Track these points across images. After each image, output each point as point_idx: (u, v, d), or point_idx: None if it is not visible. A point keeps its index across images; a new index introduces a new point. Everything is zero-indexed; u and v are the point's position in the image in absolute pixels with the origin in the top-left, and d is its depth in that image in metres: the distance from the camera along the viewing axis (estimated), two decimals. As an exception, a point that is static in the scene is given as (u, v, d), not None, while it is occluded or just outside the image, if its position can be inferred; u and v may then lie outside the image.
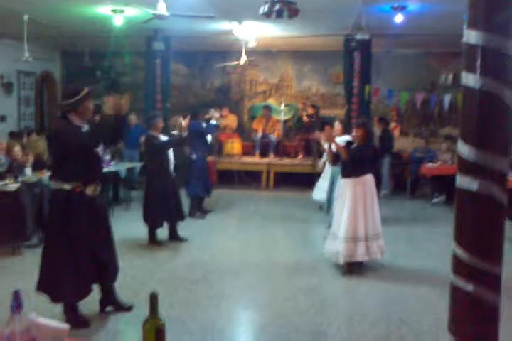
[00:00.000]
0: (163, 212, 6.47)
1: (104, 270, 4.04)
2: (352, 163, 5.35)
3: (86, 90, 3.90)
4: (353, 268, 5.34)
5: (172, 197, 6.52)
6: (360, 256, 5.23)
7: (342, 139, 6.58)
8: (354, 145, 5.48)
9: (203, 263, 5.70)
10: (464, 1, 2.10)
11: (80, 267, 3.88)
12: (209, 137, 8.46)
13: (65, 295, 3.91)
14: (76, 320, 3.81)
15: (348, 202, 5.29)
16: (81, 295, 3.95)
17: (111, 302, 4.21)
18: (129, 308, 4.21)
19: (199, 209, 8.17)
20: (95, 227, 3.95)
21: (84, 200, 3.87)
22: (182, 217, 6.75)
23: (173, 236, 6.65)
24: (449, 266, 2.03)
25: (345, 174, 5.48)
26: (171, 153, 6.57)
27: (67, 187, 3.82)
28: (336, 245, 5.30)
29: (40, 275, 3.95)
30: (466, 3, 1.98)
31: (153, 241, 6.49)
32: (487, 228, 1.90)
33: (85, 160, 3.86)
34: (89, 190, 3.89)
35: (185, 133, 6.61)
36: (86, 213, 3.89)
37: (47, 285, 3.91)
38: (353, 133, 5.50)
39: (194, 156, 8.01)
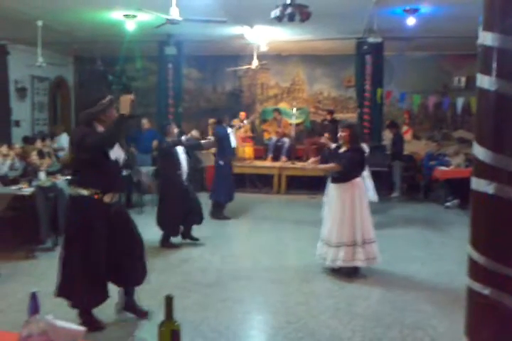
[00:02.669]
0: (179, 218, 6.54)
1: (125, 274, 4.05)
2: (342, 170, 5.27)
3: (108, 98, 3.93)
4: (351, 272, 5.31)
5: (186, 202, 6.55)
6: (353, 262, 5.19)
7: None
8: (342, 150, 5.37)
9: (215, 267, 5.71)
10: (477, 3, 2.09)
11: (97, 273, 3.91)
12: (233, 141, 8.58)
13: (83, 301, 3.93)
14: (91, 323, 3.83)
15: (336, 208, 5.26)
16: (99, 301, 3.97)
17: (129, 308, 4.21)
18: (145, 314, 4.20)
19: (219, 215, 8.20)
20: (113, 234, 3.96)
21: (101, 207, 3.90)
22: (200, 220, 6.81)
23: (187, 235, 6.71)
24: (464, 270, 2.01)
25: (334, 179, 5.41)
26: (183, 159, 6.59)
27: (85, 193, 3.85)
28: (325, 250, 5.30)
29: (59, 280, 3.97)
30: (478, 5, 1.97)
31: (166, 244, 6.51)
32: (504, 231, 1.88)
33: (106, 168, 3.90)
34: (107, 198, 3.92)
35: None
36: (103, 220, 3.91)
37: (66, 290, 3.94)
38: (340, 134, 5.39)
39: (221, 162, 8.09)
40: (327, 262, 5.29)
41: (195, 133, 6.57)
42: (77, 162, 4.00)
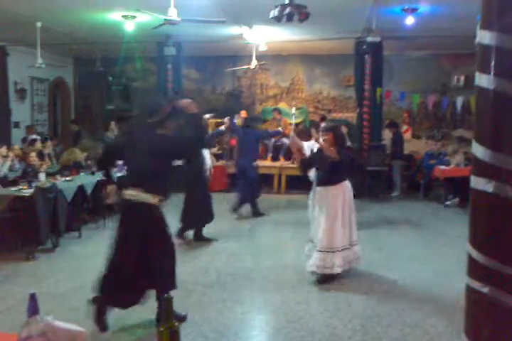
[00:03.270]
0: (201, 215, 6.72)
1: (164, 280, 4.06)
2: (332, 170, 5.03)
3: (170, 106, 4.04)
4: (328, 278, 5.12)
5: (205, 200, 6.67)
6: (337, 267, 5.02)
7: (309, 145, 6.53)
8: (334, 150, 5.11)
9: (216, 267, 5.70)
10: (475, 2, 2.09)
11: (140, 277, 3.93)
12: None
13: (123, 301, 3.95)
14: (101, 323, 3.87)
15: (327, 212, 5.05)
16: (134, 303, 3.99)
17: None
18: (184, 318, 4.16)
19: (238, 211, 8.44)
20: (158, 240, 4.00)
21: (160, 214, 3.96)
22: (211, 218, 6.94)
23: (199, 237, 6.82)
24: (464, 269, 2.01)
25: (323, 182, 5.19)
26: (208, 156, 6.68)
27: (153, 200, 3.84)
28: (317, 256, 5.08)
29: (103, 278, 3.96)
30: (477, 4, 1.97)
31: (182, 237, 6.61)
32: (503, 230, 1.88)
33: (171, 175, 4.02)
34: (163, 205, 3.97)
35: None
36: (157, 226, 3.97)
37: (106, 288, 3.94)
38: (323, 138, 5.16)
39: (255, 163, 8.34)
40: (323, 269, 5.07)
41: (209, 116, 6.58)
42: (150, 168, 3.88)
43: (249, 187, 8.35)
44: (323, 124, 6.81)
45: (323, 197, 5.17)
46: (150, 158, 3.85)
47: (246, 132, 8.40)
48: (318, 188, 5.26)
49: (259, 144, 8.81)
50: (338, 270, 5.07)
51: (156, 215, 3.93)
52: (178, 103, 4.14)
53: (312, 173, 7.23)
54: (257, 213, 8.52)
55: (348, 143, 7.12)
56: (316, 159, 5.27)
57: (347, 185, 5.26)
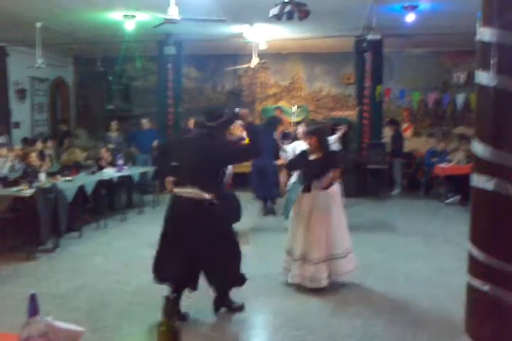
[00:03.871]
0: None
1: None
2: (319, 174, 4.77)
3: (231, 112, 4.22)
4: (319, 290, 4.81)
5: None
6: (325, 280, 4.76)
7: (292, 147, 6.49)
8: (314, 158, 4.87)
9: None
10: (476, -2, 2.07)
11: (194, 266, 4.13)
12: None
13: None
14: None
15: (317, 219, 4.75)
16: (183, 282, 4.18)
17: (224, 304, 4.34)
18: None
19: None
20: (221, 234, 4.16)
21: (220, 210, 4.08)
22: None
23: None
24: (465, 267, 2.01)
25: (309, 188, 4.87)
26: None
27: (207, 197, 3.93)
28: (296, 266, 4.84)
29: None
30: (477, 1, 1.96)
31: None
32: (504, 228, 1.87)
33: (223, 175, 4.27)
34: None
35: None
36: (221, 222, 4.16)
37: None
38: (307, 142, 5.00)
39: (275, 162, 8.41)
40: (317, 282, 4.76)
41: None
42: (207, 169, 4.04)
43: (269, 186, 8.44)
44: (300, 128, 6.77)
45: (313, 202, 4.82)
46: (209, 160, 4.01)
47: (266, 131, 8.34)
48: (306, 194, 4.90)
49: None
50: (349, 277, 4.90)
51: (218, 211, 4.04)
52: (234, 110, 4.34)
53: (294, 176, 7.18)
54: (271, 211, 8.62)
55: (334, 148, 6.96)
56: (300, 162, 5.07)
57: (336, 190, 5.03)
